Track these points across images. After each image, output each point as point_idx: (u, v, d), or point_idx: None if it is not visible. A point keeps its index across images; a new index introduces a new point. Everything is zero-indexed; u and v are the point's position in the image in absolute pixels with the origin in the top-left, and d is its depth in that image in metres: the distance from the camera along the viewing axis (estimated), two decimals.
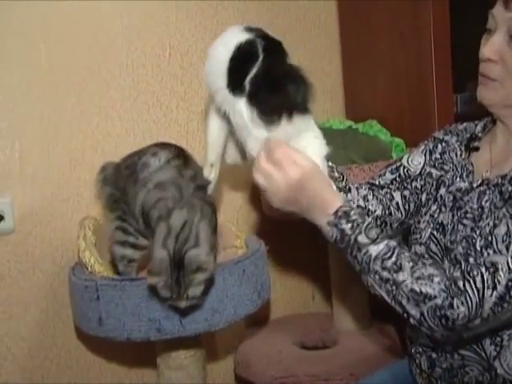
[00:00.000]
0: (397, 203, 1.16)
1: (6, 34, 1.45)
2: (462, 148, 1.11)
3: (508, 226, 0.89)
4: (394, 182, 1.17)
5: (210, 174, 1.15)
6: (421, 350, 1.06)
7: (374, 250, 0.92)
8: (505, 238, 0.89)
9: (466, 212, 1.01)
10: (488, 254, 0.89)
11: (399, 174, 1.17)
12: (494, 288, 0.86)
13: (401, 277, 0.90)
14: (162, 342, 1.36)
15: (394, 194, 1.16)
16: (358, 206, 1.15)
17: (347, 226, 0.93)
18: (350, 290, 1.72)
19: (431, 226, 1.07)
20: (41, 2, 1.47)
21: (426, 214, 1.10)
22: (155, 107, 1.65)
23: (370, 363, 1.49)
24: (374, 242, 0.92)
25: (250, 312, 1.32)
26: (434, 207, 1.09)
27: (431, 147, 1.16)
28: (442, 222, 1.05)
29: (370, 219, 0.94)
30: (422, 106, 1.66)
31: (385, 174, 1.18)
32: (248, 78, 0.96)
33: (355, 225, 0.93)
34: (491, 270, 0.87)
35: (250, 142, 1.01)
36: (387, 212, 1.17)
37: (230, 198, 1.77)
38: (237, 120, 1.00)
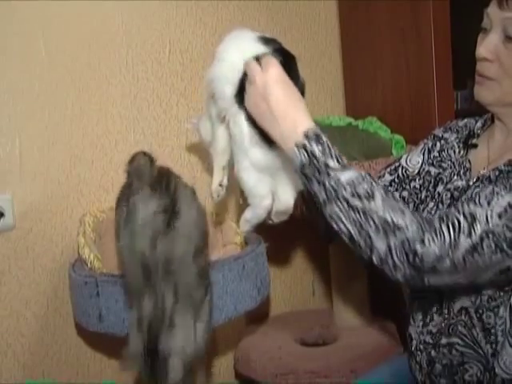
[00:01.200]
0: None
1: (6, 31, 1.44)
2: (461, 145, 1.11)
3: (493, 188, 0.88)
4: (393, 184, 1.16)
5: (223, 177, 1.11)
6: (421, 347, 1.07)
7: (345, 175, 0.86)
8: (488, 195, 0.87)
9: None
10: (468, 205, 0.87)
11: (398, 175, 1.16)
12: (469, 235, 0.84)
13: (372, 205, 0.85)
14: None
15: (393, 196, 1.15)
16: None
17: (318, 149, 0.87)
18: (350, 286, 1.73)
19: None
20: None
21: (423, 210, 1.10)
22: (155, 104, 1.64)
23: (370, 360, 1.49)
24: (344, 167, 0.87)
25: (249, 308, 1.32)
26: (431, 204, 1.09)
27: (430, 146, 1.16)
28: None
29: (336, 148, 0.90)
30: (422, 102, 1.66)
31: (384, 176, 1.18)
32: None
33: (326, 148, 0.87)
34: (469, 219, 0.85)
35: (241, 158, 0.99)
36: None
37: (231, 196, 1.77)
38: (235, 132, 0.99)
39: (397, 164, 1.18)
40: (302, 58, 1.02)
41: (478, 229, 0.84)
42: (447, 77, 1.61)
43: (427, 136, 1.19)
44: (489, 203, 0.86)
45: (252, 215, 1.04)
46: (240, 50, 0.98)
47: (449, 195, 1.06)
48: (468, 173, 1.06)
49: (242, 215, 1.05)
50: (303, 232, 1.77)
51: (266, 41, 0.98)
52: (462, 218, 0.85)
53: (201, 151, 1.71)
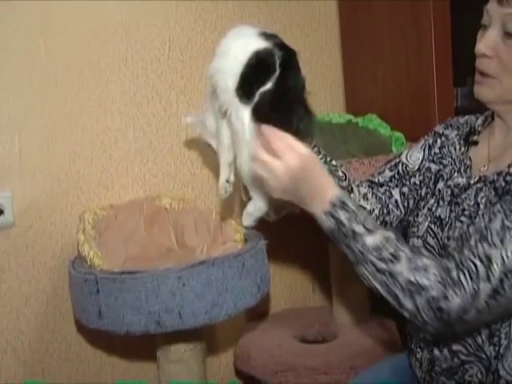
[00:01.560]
0: (395, 200, 1.15)
1: (6, 28, 1.44)
2: (461, 142, 1.11)
3: (503, 221, 0.88)
4: (393, 180, 1.16)
5: (230, 173, 1.10)
6: (422, 344, 1.06)
7: (371, 240, 0.90)
8: (499, 231, 0.88)
9: (464, 209, 1.01)
10: (483, 246, 0.88)
11: (398, 171, 1.16)
12: (488, 280, 0.86)
13: (398, 267, 0.89)
14: (161, 336, 1.37)
15: (393, 192, 1.16)
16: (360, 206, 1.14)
17: (343, 215, 0.91)
18: (350, 283, 1.72)
19: (429, 219, 1.07)
20: None
21: (424, 207, 1.10)
22: (155, 101, 1.64)
23: (369, 357, 1.49)
24: (370, 232, 0.91)
25: (249, 305, 1.32)
26: (431, 201, 1.09)
27: (431, 142, 1.15)
28: (439, 215, 1.05)
29: (364, 210, 0.93)
30: (422, 99, 1.66)
31: (384, 172, 1.18)
32: (260, 90, 0.95)
33: (351, 214, 0.91)
34: (485, 262, 0.86)
35: (243, 152, 0.99)
36: (385, 211, 1.16)
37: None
38: (237, 126, 0.99)
39: (397, 160, 1.18)
40: (301, 55, 1.01)
41: (496, 271, 0.86)
42: (447, 74, 1.61)
43: (428, 133, 1.18)
44: (502, 241, 0.87)
45: (254, 208, 1.04)
46: (242, 44, 0.98)
47: (449, 192, 1.06)
48: (468, 170, 1.06)
49: (244, 210, 1.06)
50: (303, 229, 1.77)
51: (267, 36, 0.98)
52: (478, 262, 0.87)
53: (200, 148, 1.71)
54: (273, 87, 0.95)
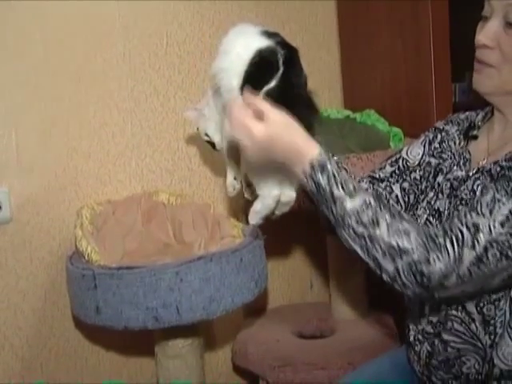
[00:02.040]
0: (396, 196, 1.16)
1: (3, 23, 1.44)
2: (461, 137, 1.12)
3: (494, 194, 0.89)
4: (394, 175, 1.17)
5: (237, 170, 1.12)
6: (421, 337, 1.07)
7: (350, 204, 0.90)
8: (489, 203, 0.88)
9: (462, 199, 1.03)
10: (471, 216, 0.88)
11: (398, 167, 1.17)
12: (473, 247, 0.86)
13: (377, 231, 0.88)
14: (159, 331, 1.37)
15: (394, 187, 1.16)
16: None
17: (323, 178, 0.90)
18: (348, 279, 1.72)
19: (427, 212, 1.08)
20: None
21: (423, 200, 1.11)
22: (152, 96, 1.64)
23: (367, 352, 1.49)
24: (350, 195, 0.90)
25: (247, 301, 1.33)
26: (431, 194, 1.10)
27: (431, 137, 1.16)
28: (438, 208, 1.06)
29: (345, 172, 0.92)
30: (420, 95, 1.65)
31: (385, 167, 1.18)
32: (264, 89, 0.96)
33: (331, 177, 0.90)
34: (472, 230, 0.87)
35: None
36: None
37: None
38: None
39: (397, 156, 1.19)
40: (299, 51, 1.01)
41: (482, 239, 0.87)
42: (445, 69, 1.60)
43: (428, 129, 1.19)
44: (491, 212, 0.88)
45: (261, 206, 1.05)
46: (244, 42, 0.99)
47: (448, 185, 1.07)
48: (468, 163, 1.07)
49: (251, 207, 1.06)
50: (301, 225, 1.77)
51: (269, 34, 0.99)
52: (465, 230, 0.87)
53: (198, 144, 1.71)
54: (276, 85, 0.96)
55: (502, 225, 0.87)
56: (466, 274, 0.87)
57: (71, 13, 1.51)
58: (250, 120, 0.91)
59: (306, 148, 0.92)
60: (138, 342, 1.58)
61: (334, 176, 0.90)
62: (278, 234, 1.70)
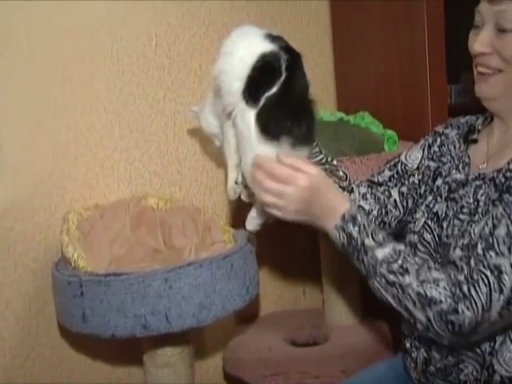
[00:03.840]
0: (394, 200, 1.17)
1: None
2: (461, 140, 1.13)
3: (508, 227, 0.91)
4: (392, 179, 1.18)
5: (238, 174, 1.12)
6: (417, 343, 1.08)
7: (381, 253, 0.94)
8: (506, 239, 0.90)
9: (462, 206, 1.03)
10: (490, 256, 0.90)
11: (397, 171, 1.19)
12: (501, 291, 0.88)
13: (407, 280, 0.92)
14: (148, 339, 1.36)
15: (392, 191, 1.18)
16: (359, 207, 1.17)
17: (354, 230, 0.95)
18: (342, 285, 1.73)
19: (426, 215, 1.09)
20: None
21: (422, 204, 1.12)
22: (141, 98, 1.63)
23: (361, 360, 1.49)
24: (380, 245, 0.95)
25: (238, 307, 1.33)
26: (429, 198, 1.11)
27: (430, 141, 1.18)
28: (436, 211, 1.07)
29: (374, 224, 0.97)
30: (415, 97, 1.66)
31: (383, 171, 1.20)
32: (266, 95, 0.98)
33: (362, 228, 0.95)
34: (495, 272, 0.89)
35: (248, 155, 1.01)
36: (384, 211, 1.18)
37: (219, 191, 1.77)
38: (243, 128, 1.01)
39: (396, 160, 1.21)
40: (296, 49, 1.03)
41: (507, 281, 0.88)
42: (441, 71, 1.61)
43: (425, 132, 1.21)
44: (509, 249, 0.89)
45: (259, 212, 1.07)
46: (248, 45, 1.00)
47: (447, 188, 1.08)
48: (467, 167, 1.08)
49: (249, 213, 1.08)
50: (293, 229, 1.77)
51: (273, 38, 1.01)
52: (488, 273, 0.89)
53: (189, 147, 1.71)
54: (278, 91, 0.97)
55: None
56: (496, 318, 0.90)
57: (57, 11, 1.50)
58: (293, 171, 0.95)
59: (338, 202, 0.97)
60: (125, 351, 1.57)
61: (365, 227, 0.95)
62: (270, 238, 1.70)
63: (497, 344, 0.98)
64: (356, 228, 0.95)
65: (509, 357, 0.98)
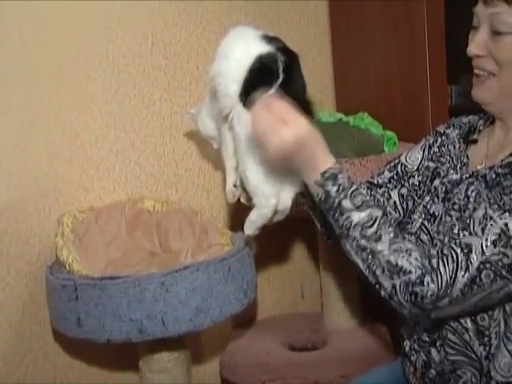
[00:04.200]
0: (394, 202, 1.17)
1: None
2: (461, 141, 1.13)
3: (486, 209, 0.92)
4: (392, 181, 1.18)
5: (237, 177, 1.13)
6: (416, 346, 1.07)
7: (356, 216, 0.94)
8: (482, 220, 0.91)
9: (454, 203, 1.03)
10: (464, 235, 0.92)
11: (397, 172, 1.18)
12: (467, 269, 0.89)
13: (379, 247, 0.93)
14: (144, 344, 1.37)
15: (392, 193, 1.17)
16: None
17: (333, 189, 0.95)
18: (341, 288, 1.73)
19: (423, 216, 1.09)
20: None
21: (419, 204, 1.12)
22: (137, 99, 1.63)
23: (361, 364, 1.49)
24: (357, 208, 0.94)
25: (236, 311, 1.33)
26: (427, 198, 1.11)
27: (431, 142, 1.18)
28: (433, 212, 1.07)
29: (356, 185, 0.96)
30: (415, 97, 1.66)
31: (383, 173, 1.20)
32: (263, 97, 0.98)
33: (341, 188, 0.95)
34: (465, 250, 0.90)
35: (246, 157, 1.02)
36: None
37: (216, 193, 1.77)
38: (240, 131, 1.02)
39: (396, 161, 1.20)
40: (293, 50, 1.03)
41: (475, 261, 0.89)
42: (441, 71, 1.61)
43: (426, 133, 1.20)
44: (483, 231, 0.91)
45: (257, 216, 1.07)
46: (244, 47, 1.01)
47: (443, 189, 1.08)
48: (465, 167, 1.08)
49: (247, 217, 1.08)
50: (291, 232, 1.77)
51: (270, 39, 1.01)
52: (458, 251, 0.90)
53: (185, 149, 1.71)
54: (276, 93, 0.97)
55: (495, 244, 0.89)
56: (459, 296, 0.90)
57: (51, 11, 1.49)
58: (278, 122, 0.94)
59: (322, 158, 0.97)
60: (121, 356, 1.56)
61: (344, 188, 0.95)
62: (268, 242, 1.70)
63: (492, 348, 0.98)
64: (335, 187, 0.95)
65: (504, 362, 0.98)
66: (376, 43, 1.77)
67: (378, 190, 1.18)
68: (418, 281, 0.90)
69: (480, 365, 0.99)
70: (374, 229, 0.93)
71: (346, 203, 0.95)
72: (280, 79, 0.98)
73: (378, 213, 0.95)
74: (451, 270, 0.89)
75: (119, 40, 1.59)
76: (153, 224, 1.55)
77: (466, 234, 0.92)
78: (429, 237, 1.06)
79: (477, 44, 1.01)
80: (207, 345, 1.77)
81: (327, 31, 1.92)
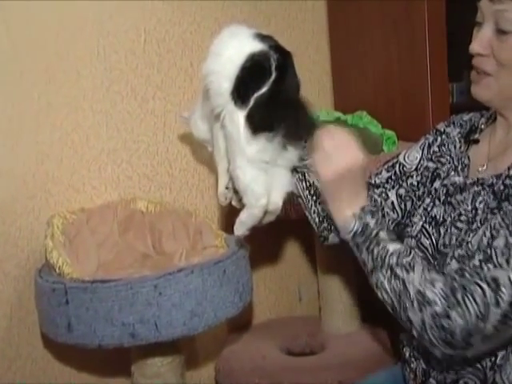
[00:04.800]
0: (392, 203, 1.17)
1: None
2: (462, 140, 1.12)
3: (506, 238, 0.90)
4: (390, 181, 1.18)
5: (229, 179, 1.14)
6: (416, 353, 1.07)
7: (392, 246, 0.97)
8: (504, 250, 0.89)
9: (460, 214, 1.02)
10: (488, 268, 0.90)
11: (395, 172, 1.18)
12: (498, 305, 0.87)
13: (411, 276, 0.94)
14: (136, 349, 1.37)
15: (389, 194, 1.17)
16: None
17: (372, 221, 0.98)
18: (339, 291, 1.72)
19: (423, 219, 1.08)
20: None
21: (419, 207, 1.12)
22: (129, 97, 1.63)
23: (360, 370, 1.49)
24: (392, 240, 0.98)
25: (231, 315, 1.33)
26: (427, 200, 1.10)
27: (431, 140, 1.17)
28: (434, 215, 1.07)
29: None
30: (415, 95, 1.66)
31: (381, 173, 1.20)
32: (255, 95, 0.99)
33: (379, 222, 0.99)
34: (493, 285, 0.88)
35: (237, 156, 1.03)
36: (381, 214, 1.18)
37: (210, 194, 1.77)
38: (232, 130, 1.02)
39: (394, 160, 1.20)
40: (286, 48, 1.03)
41: (505, 294, 0.88)
42: (442, 68, 1.61)
43: (426, 131, 1.20)
44: (508, 262, 0.89)
45: (247, 216, 1.07)
46: (237, 45, 1.02)
47: (445, 191, 1.08)
48: (466, 169, 1.07)
49: (238, 217, 1.08)
50: (288, 233, 1.77)
51: (263, 38, 1.02)
52: (485, 286, 0.89)
53: (179, 148, 1.71)
54: (267, 91, 0.98)
55: None
56: (491, 332, 0.89)
57: (40, 5, 1.49)
58: (351, 143, 0.99)
59: (363, 197, 1.01)
60: (113, 362, 1.55)
61: (381, 222, 1.00)
62: (264, 243, 1.70)
63: (498, 359, 0.97)
64: (374, 220, 0.98)
65: None
66: (375, 39, 1.77)
67: (376, 190, 1.18)
68: (443, 313, 0.89)
69: (484, 375, 0.98)
70: (409, 258, 0.95)
71: (384, 234, 0.98)
72: (273, 77, 0.98)
73: (409, 247, 1.00)
74: (481, 305, 0.88)
75: (111, 36, 1.59)
76: (146, 225, 1.55)
77: (491, 266, 0.89)
78: (430, 241, 1.05)
79: (480, 42, 0.99)
80: (202, 349, 1.76)
81: (325, 27, 1.92)
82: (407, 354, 1.09)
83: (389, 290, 0.95)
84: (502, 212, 0.94)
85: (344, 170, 0.98)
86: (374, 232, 0.97)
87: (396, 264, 0.95)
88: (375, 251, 0.97)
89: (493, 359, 0.97)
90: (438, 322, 0.89)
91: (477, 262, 0.91)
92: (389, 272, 0.95)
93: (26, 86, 1.48)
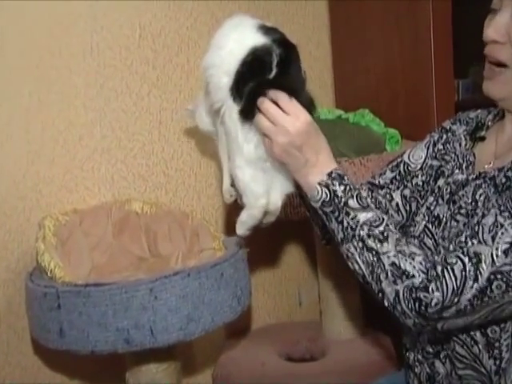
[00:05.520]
0: (396, 204, 1.16)
1: None
2: (468, 138, 1.12)
3: (496, 217, 0.91)
4: (394, 181, 1.17)
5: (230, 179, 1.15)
6: (420, 358, 1.07)
7: (363, 216, 0.96)
8: (491, 228, 0.90)
9: (460, 207, 1.02)
10: (472, 243, 0.91)
11: (399, 172, 1.17)
12: (476, 280, 0.88)
13: (385, 247, 0.93)
14: (131, 355, 1.37)
15: (394, 195, 1.17)
16: None
17: (340, 188, 0.96)
18: (341, 295, 1.73)
19: (426, 218, 1.08)
20: None
21: (423, 206, 1.11)
22: (124, 94, 1.63)
23: (362, 376, 1.49)
24: (364, 208, 0.96)
25: (229, 320, 1.33)
26: (431, 199, 1.10)
27: (436, 138, 1.17)
28: (437, 215, 1.06)
29: (359, 187, 0.98)
30: (419, 93, 1.66)
31: (385, 173, 1.19)
32: (247, 88, 0.98)
33: (348, 188, 0.97)
34: (474, 260, 0.89)
35: (236, 155, 1.03)
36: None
37: (208, 195, 1.77)
38: (230, 126, 1.02)
39: (399, 160, 1.19)
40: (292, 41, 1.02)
41: (485, 271, 0.88)
42: (447, 64, 1.61)
43: (430, 129, 1.19)
44: (493, 239, 0.89)
45: (247, 216, 1.08)
46: (239, 38, 1.00)
47: (448, 190, 1.07)
48: (471, 167, 1.07)
49: (238, 218, 1.09)
50: (288, 236, 1.77)
51: (266, 30, 1.00)
52: (466, 260, 0.89)
53: (175, 147, 1.71)
54: (268, 87, 0.98)
55: (506, 254, 0.88)
56: (466, 306, 0.89)
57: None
58: (284, 115, 0.96)
59: (326, 159, 0.99)
60: (106, 368, 1.55)
61: (351, 188, 0.97)
62: (263, 245, 1.69)
63: (503, 362, 0.97)
64: (342, 187, 0.96)
65: None
66: (378, 35, 1.77)
67: (380, 191, 1.17)
68: (421, 286, 0.89)
69: (490, 380, 0.98)
70: (381, 228, 0.94)
71: (353, 203, 0.96)
72: (273, 73, 0.98)
73: (383, 214, 0.96)
74: (459, 279, 0.88)
75: (105, 31, 1.59)
76: (141, 227, 1.55)
77: (475, 242, 0.90)
78: (433, 241, 1.05)
79: (496, 28, 0.97)
80: (199, 355, 1.77)
81: (326, 23, 1.93)
82: (411, 359, 1.09)
83: (360, 262, 0.95)
84: (496, 194, 0.95)
85: (300, 132, 0.96)
86: (343, 201, 0.96)
87: (368, 236, 0.94)
88: (345, 222, 0.96)
89: (497, 363, 0.97)
90: (415, 294, 0.89)
91: (462, 238, 0.92)
92: (360, 243, 0.94)
93: (15, 83, 1.48)
